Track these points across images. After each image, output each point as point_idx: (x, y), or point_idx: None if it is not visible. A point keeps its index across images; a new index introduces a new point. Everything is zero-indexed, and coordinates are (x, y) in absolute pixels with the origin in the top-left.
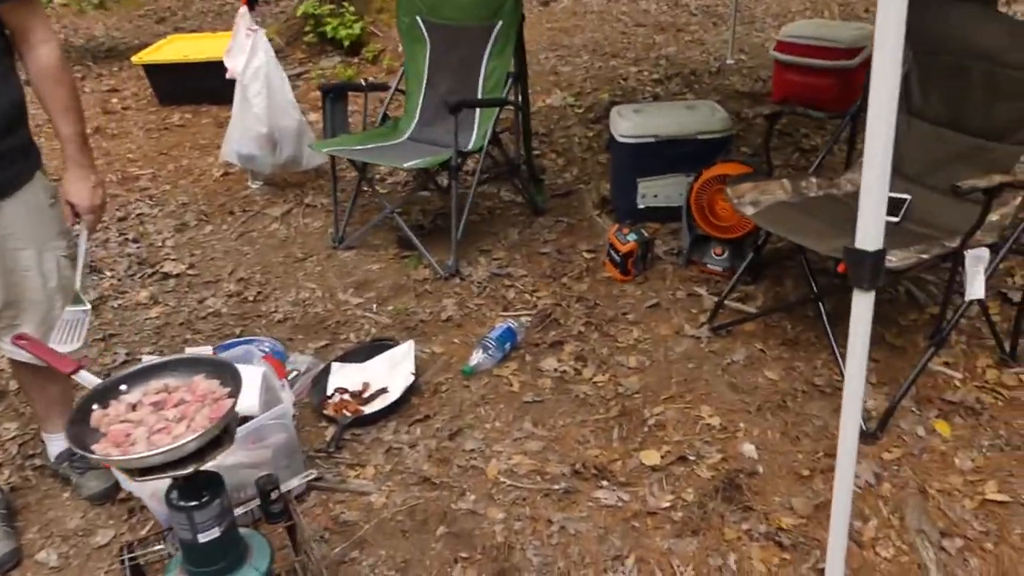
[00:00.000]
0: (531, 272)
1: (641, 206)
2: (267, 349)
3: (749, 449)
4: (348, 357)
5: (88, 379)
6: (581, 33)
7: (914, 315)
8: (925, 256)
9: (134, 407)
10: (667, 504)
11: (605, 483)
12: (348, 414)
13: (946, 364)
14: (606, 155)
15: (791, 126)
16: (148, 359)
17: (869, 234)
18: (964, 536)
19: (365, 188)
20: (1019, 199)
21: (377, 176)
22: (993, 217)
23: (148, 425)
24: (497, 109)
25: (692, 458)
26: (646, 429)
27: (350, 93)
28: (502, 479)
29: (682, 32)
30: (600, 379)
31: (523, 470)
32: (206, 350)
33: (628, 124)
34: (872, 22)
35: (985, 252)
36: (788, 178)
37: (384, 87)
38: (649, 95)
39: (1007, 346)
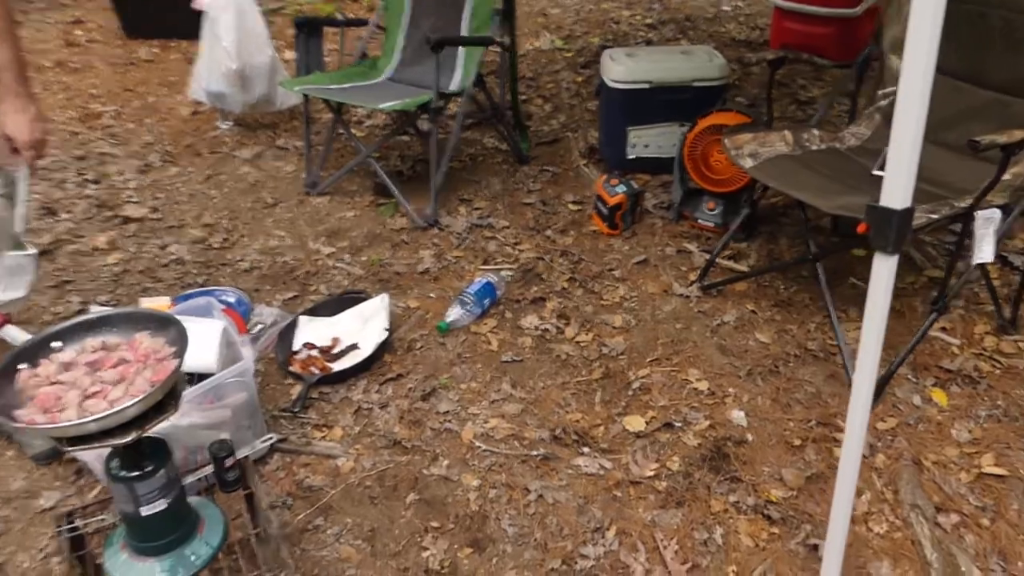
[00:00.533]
0: (514, 223)
1: (631, 156)
2: (231, 300)
3: (738, 416)
4: (317, 310)
5: (14, 335)
6: None
7: (911, 277)
8: (935, 216)
9: (67, 367)
10: (651, 473)
11: (586, 450)
12: (316, 371)
13: (943, 330)
14: (595, 102)
15: (788, 76)
16: (97, 310)
17: (897, 191)
18: (960, 511)
19: (340, 131)
20: None
21: (353, 118)
22: (1005, 176)
23: (81, 388)
24: (482, 49)
25: (678, 424)
26: (630, 393)
27: (327, 29)
28: (477, 443)
29: None
30: (583, 339)
31: (500, 434)
32: (164, 300)
33: (620, 69)
34: None
35: (996, 213)
36: (789, 129)
37: (363, 23)
38: (642, 40)
39: (1007, 313)
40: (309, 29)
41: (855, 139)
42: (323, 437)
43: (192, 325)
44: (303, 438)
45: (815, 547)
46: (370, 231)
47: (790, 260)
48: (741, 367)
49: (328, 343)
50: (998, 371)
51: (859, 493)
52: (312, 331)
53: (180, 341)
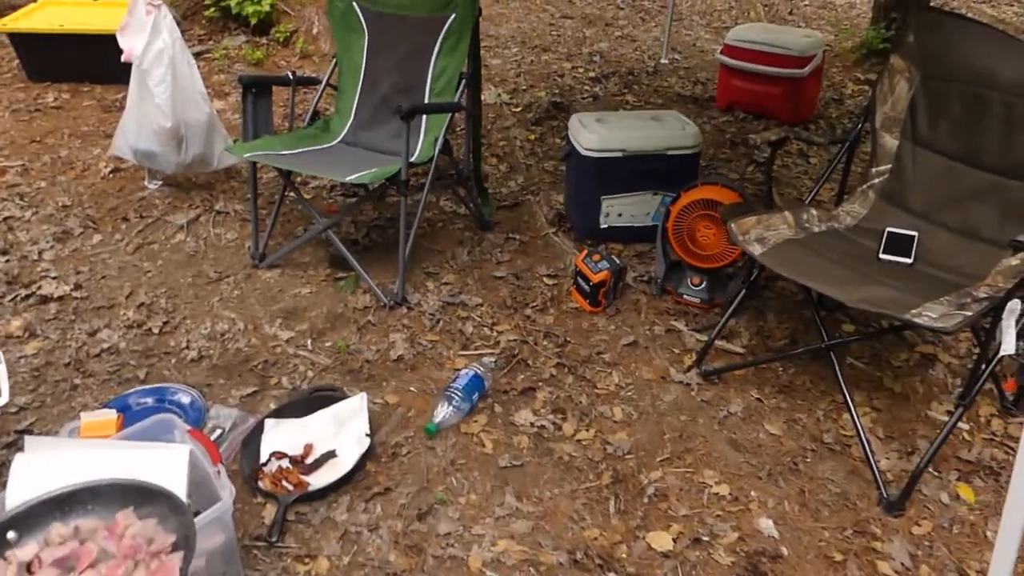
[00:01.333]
0: (488, 301)
1: (604, 225)
2: (184, 401)
3: (767, 525)
4: (285, 411)
5: None
6: (507, 23)
7: (904, 354)
8: (969, 313)
9: (29, 569)
10: None
11: (612, 575)
12: (290, 488)
13: (949, 413)
14: (552, 163)
15: (739, 135)
16: (39, 493)
17: None
18: None
19: (290, 194)
20: None
21: (297, 179)
22: (1013, 262)
23: None
24: (448, 115)
25: (706, 538)
26: (646, 500)
27: (274, 87)
28: (488, 572)
29: (611, 27)
30: (584, 436)
31: (512, 559)
32: (108, 414)
33: (593, 137)
34: (795, 24)
35: (1018, 304)
36: (789, 210)
37: (315, 81)
38: (588, 95)
39: (1009, 398)
40: (258, 90)
41: (851, 218)
42: (308, 572)
43: (149, 454)
44: (284, 574)
45: None
46: (331, 311)
47: (803, 348)
48: (759, 466)
49: (300, 451)
50: (1012, 459)
51: None
52: (280, 437)
53: (179, 520)
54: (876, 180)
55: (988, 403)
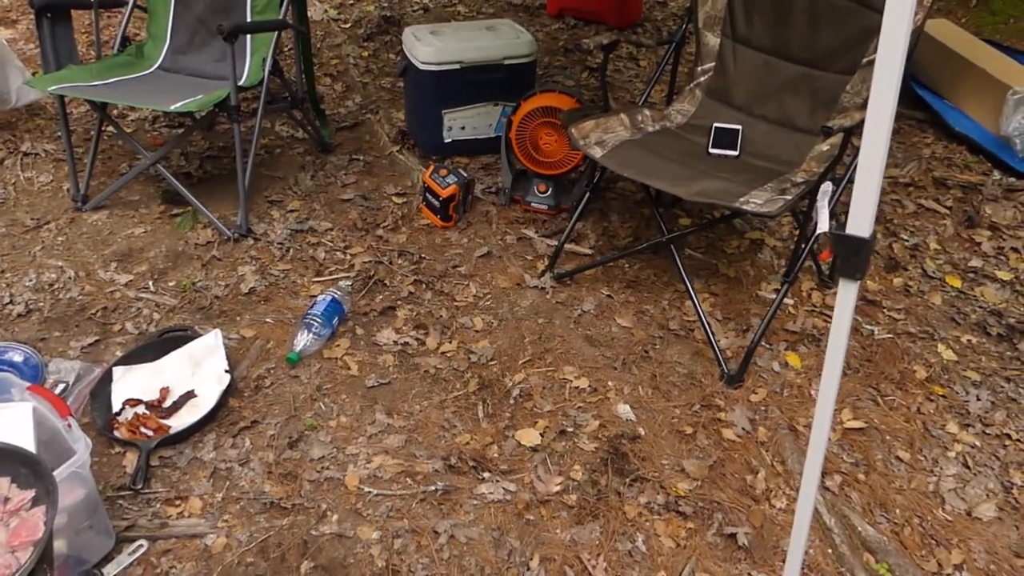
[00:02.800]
0: (338, 224)
1: (448, 140)
2: (16, 360)
3: (625, 410)
4: (134, 357)
5: None
6: None
7: (736, 241)
8: (789, 197)
9: None
10: (558, 488)
11: (486, 474)
12: (150, 433)
13: (776, 291)
14: (389, 79)
15: (572, 41)
16: None
17: (864, 219)
18: (839, 471)
19: (108, 128)
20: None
21: (113, 111)
22: (824, 147)
23: None
24: (275, 34)
25: (570, 430)
26: (512, 401)
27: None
28: (366, 488)
29: None
30: (448, 348)
31: (388, 473)
32: None
33: (429, 50)
34: None
35: (830, 186)
36: (624, 112)
37: (120, 3)
38: (418, 7)
39: (825, 269)
40: (54, 13)
41: (681, 116)
42: (180, 513)
43: None
44: (155, 519)
45: (732, 536)
46: (170, 249)
47: (646, 244)
48: (614, 357)
49: (157, 396)
50: (830, 325)
51: (755, 471)
52: (133, 384)
53: (35, 478)
54: (702, 78)
55: (809, 279)
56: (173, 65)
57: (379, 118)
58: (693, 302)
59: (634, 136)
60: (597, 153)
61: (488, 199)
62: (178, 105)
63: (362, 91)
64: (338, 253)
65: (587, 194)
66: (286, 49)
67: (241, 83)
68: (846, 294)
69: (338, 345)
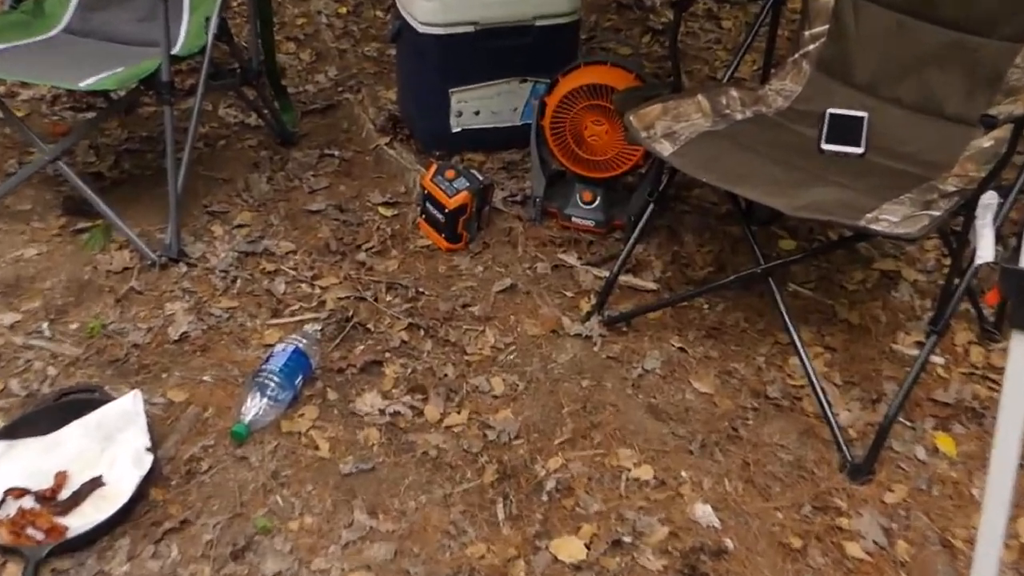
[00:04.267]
0: (303, 245)
1: (456, 129)
2: None
3: (705, 512)
4: (20, 428)
5: None
6: None
7: (859, 274)
8: (936, 213)
9: None
10: None
11: None
12: (40, 537)
13: (919, 345)
14: (376, 45)
15: None
16: None
17: None
18: None
19: None
20: None
21: (0, 90)
22: (985, 143)
23: None
24: None
25: (628, 539)
26: (545, 498)
27: None
28: None
29: None
30: (455, 421)
31: None
32: None
33: (432, 6)
34: None
35: (995, 197)
36: (704, 93)
37: None
38: None
39: (989, 315)
40: None
41: (782, 99)
42: None
43: None
44: None
45: None
46: (73, 278)
47: (733, 276)
48: (688, 437)
49: (50, 484)
50: (998, 395)
51: None
52: (17, 465)
53: None
54: (810, 47)
55: (965, 327)
56: (83, 27)
57: (361, 98)
58: (801, 359)
59: (716, 126)
60: (666, 149)
61: (512, 212)
62: (90, 82)
63: (338, 61)
64: (303, 285)
65: (650, 206)
66: (236, 5)
67: (175, 51)
68: (1021, 351)
69: (302, 415)
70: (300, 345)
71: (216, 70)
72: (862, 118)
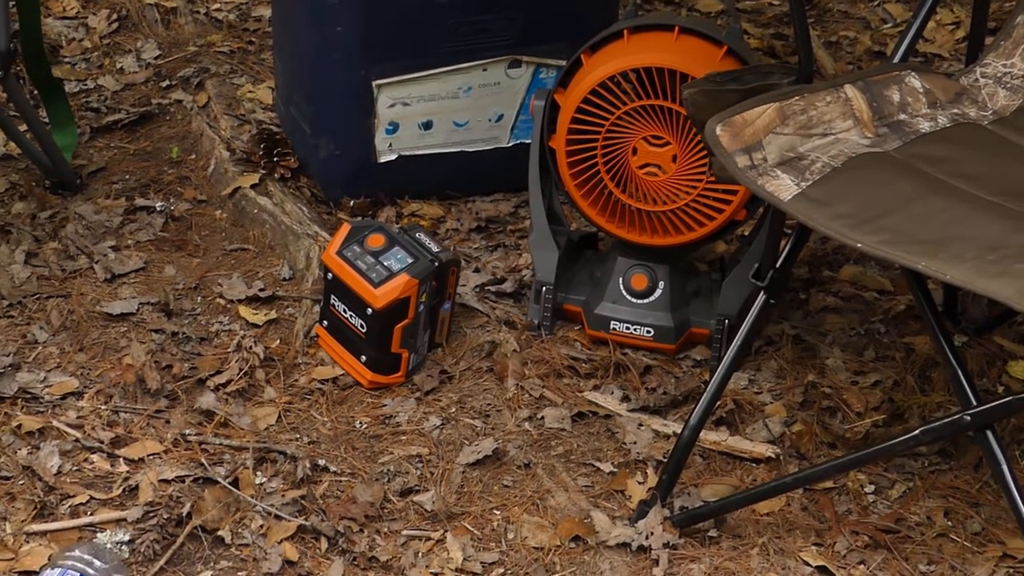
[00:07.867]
0: (96, 380)
1: (387, 155)
2: None
3: None
4: None
5: None
6: None
7: None
8: None
9: None
10: None
11: None
12: None
13: None
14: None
15: None
16: None
17: None
18: None
19: None
20: None
21: None
22: None
23: None
24: None
25: None
26: None
27: None
28: None
29: None
30: None
31: None
32: None
33: None
34: None
35: None
36: (855, 84)
37: None
38: None
39: None
40: None
41: (1008, 92)
42: None
43: None
44: None
45: None
46: None
47: (921, 429)
48: None
49: None
50: None
51: None
52: None
53: None
54: None
55: None
56: None
57: (205, 100)
58: None
59: (883, 144)
60: (787, 190)
61: (495, 311)
62: None
63: (161, 31)
64: (96, 457)
65: (762, 299)
66: None
67: None
68: None
69: None
70: (85, 570)
71: None
72: None
